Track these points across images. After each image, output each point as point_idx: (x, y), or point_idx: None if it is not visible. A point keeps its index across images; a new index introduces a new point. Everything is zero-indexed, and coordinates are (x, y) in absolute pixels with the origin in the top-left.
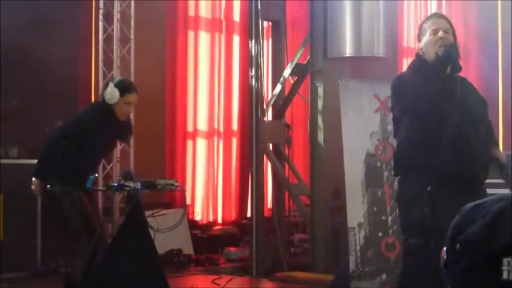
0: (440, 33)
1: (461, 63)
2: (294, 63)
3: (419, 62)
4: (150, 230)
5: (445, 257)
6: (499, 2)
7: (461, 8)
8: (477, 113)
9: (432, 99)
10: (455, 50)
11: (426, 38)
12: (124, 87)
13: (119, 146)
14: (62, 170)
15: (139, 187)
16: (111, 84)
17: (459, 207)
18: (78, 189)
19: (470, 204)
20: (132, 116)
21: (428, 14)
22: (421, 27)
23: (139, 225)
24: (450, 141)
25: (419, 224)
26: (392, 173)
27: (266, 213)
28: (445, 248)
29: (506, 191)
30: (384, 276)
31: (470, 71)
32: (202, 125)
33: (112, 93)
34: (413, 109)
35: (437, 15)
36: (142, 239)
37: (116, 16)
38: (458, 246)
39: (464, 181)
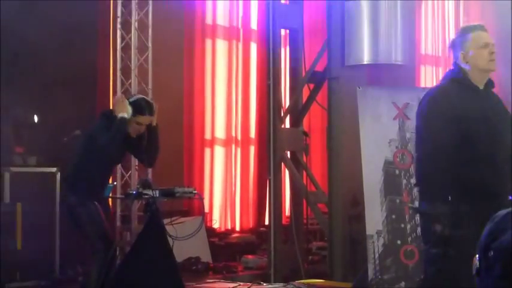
0: (491, 48)
1: None
2: (312, 70)
3: (460, 74)
4: (168, 237)
5: (478, 264)
6: None
7: (479, 12)
8: (507, 129)
9: (472, 115)
10: None
11: (477, 50)
12: (138, 108)
13: None
14: (75, 181)
15: (157, 195)
16: (127, 101)
17: (478, 218)
18: (92, 198)
19: (503, 212)
20: None
21: (446, 20)
22: (463, 36)
23: (158, 233)
24: (476, 159)
25: (440, 234)
26: (411, 180)
27: (284, 221)
28: (477, 256)
29: None
30: (402, 284)
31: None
32: (220, 133)
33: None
34: (453, 123)
35: (483, 28)
36: (160, 247)
37: (134, 25)
38: (492, 253)
39: (485, 196)
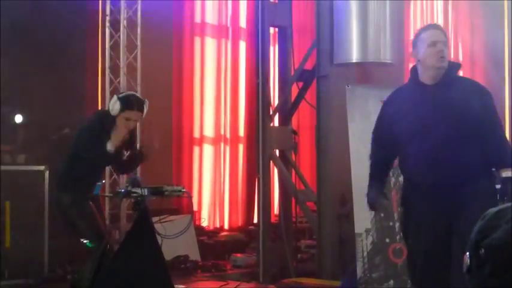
0: (439, 46)
1: (467, 65)
2: (301, 69)
3: (412, 72)
4: (157, 236)
5: (469, 261)
6: (505, 3)
7: (468, 12)
8: (463, 122)
9: (410, 109)
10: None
11: (424, 48)
12: (126, 103)
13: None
14: (68, 180)
15: (146, 193)
16: (115, 97)
17: (428, 211)
18: (85, 196)
19: (494, 209)
20: (138, 125)
21: (435, 19)
22: (417, 36)
23: (147, 232)
24: (420, 150)
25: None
26: (400, 178)
27: (273, 220)
28: (468, 253)
29: None
30: (391, 282)
31: (476, 74)
32: (209, 131)
33: (113, 106)
34: (396, 120)
35: (435, 27)
36: (149, 245)
37: (123, 23)
38: (483, 251)
39: (436, 187)
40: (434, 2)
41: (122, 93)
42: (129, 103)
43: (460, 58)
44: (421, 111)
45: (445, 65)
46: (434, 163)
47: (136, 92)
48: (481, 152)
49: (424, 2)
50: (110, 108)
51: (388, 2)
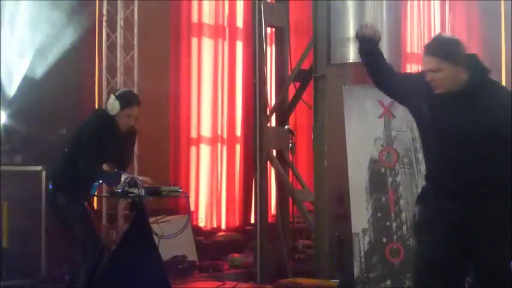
0: (428, 76)
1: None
2: (297, 69)
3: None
4: (154, 236)
5: None
6: (502, 2)
7: (465, 11)
8: (484, 130)
9: (431, 117)
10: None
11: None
12: (125, 100)
13: None
14: (64, 180)
15: (143, 194)
16: (112, 96)
17: (443, 214)
18: (81, 197)
19: None
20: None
21: (432, 19)
22: None
23: (144, 232)
24: (440, 155)
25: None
26: (397, 178)
27: (270, 220)
28: None
29: None
30: (388, 282)
31: None
32: (206, 131)
33: (112, 105)
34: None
35: (424, 52)
36: (146, 245)
37: (120, 23)
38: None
39: (453, 191)
40: (431, 1)
41: (118, 90)
42: (128, 100)
43: None
44: (449, 117)
45: (443, 89)
46: (462, 169)
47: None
48: None
49: (421, 1)
50: (109, 108)
51: (384, 2)
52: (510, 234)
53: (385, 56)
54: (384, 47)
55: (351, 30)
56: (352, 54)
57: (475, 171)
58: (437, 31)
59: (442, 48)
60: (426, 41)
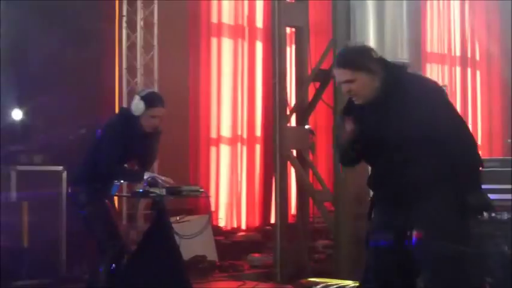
0: (343, 87)
1: (484, 65)
2: (317, 69)
3: None
4: (175, 236)
5: None
6: None
7: (484, 11)
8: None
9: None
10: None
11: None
12: (150, 101)
13: None
14: (85, 179)
15: (164, 193)
16: (137, 97)
17: (385, 222)
18: (102, 197)
19: None
20: None
21: (452, 19)
22: None
23: (165, 231)
24: (373, 164)
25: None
26: None
27: (290, 220)
28: None
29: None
30: None
31: (493, 74)
32: (226, 131)
33: (137, 106)
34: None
35: (336, 65)
36: (168, 245)
37: (139, 23)
38: None
39: (392, 199)
40: (451, 1)
41: (142, 91)
42: (153, 100)
43: (477, 58)
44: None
45: (362, 98)
46: (389, 180)
47: None
48: (437, 163)
49: (441, 1)
50: (134, 109)
51: (404, 1)
52: (446, 231)
53: (405, 56)
54: (404, 47)
55: (371, 30)
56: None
57: (400, 176)
58: (457, 31)
59: (353, 59)
60: (446, 41)
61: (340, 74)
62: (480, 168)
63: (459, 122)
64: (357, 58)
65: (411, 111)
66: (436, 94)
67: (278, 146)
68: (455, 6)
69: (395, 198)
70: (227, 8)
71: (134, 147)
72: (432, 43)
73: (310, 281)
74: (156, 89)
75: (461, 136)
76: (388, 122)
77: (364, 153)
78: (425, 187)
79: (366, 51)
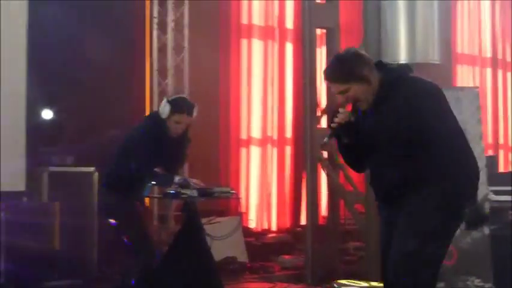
0: (339, 98)
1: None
2: None
3: None
4: (206, 237)
5: None
6: None
7: None
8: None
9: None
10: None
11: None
12: (175, 106)
13: None
14: (115, 180)
15: (196, 195)
16: (165, 100)
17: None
18: (133, 198)
19: None
20: None
21: (482, 19)
22: None
23: (197, 233)
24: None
25: None
26: None
27: (320, 221)
28: None
29: None
30: (442, 284)
31: None
32: (256, 132)
33: (163, 109)
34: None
35: (327, 80)
36: (199, 246)
37: (170, 25)
38: None
39: (384, 199)
40: (482, 2)
41: (173, 96)
42: (179, 106)
43: (508, 59)
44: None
45: (365, 102)
46: (378, 181)
47: (183, 93)
48: (421, 166)
49: (472, 2)
50: (161, 111)
51: (435, 2)
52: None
53: (436, 57)
54: (436, 48)
55: (402, 31)
56: (402, 54)
57: (388, 177)
58: (488, 32)
59: (340, 72)
60: (477, 42)
61: (332, 87)
62: (476, 181)
63: (451, 128)
64: (344, 69)
65: (398, 114)
66: (426, 97)
67: (309, 148)
68: (486, 6)
69: (385, 197)
70: (257, 9)
71: (162, 150)
72: (463, 44)
73: (341, 283)
74: (186, 89)
75: (453, 143)
76: (379, 124)
77: (365, 155)
78: (412, 187)
79: (354, 59)
